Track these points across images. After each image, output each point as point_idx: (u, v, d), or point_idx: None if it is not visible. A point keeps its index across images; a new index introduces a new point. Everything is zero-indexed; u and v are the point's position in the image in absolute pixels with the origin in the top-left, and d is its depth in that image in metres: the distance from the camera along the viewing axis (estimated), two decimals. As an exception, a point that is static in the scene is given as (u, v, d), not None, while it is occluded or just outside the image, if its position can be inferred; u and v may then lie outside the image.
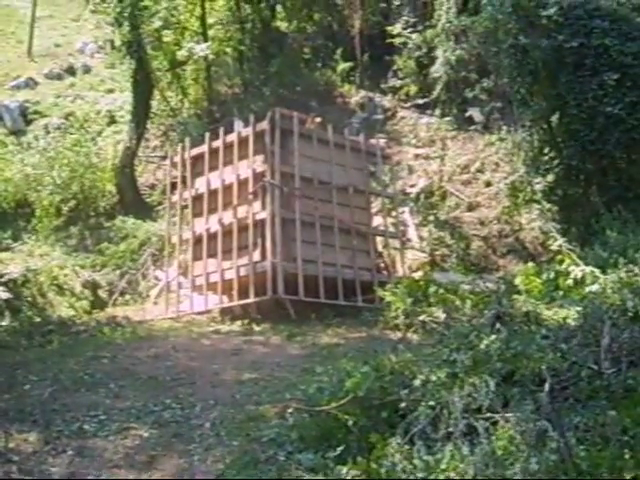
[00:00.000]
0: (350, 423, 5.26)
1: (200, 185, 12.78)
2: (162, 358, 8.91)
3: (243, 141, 12.24)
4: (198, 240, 12.55)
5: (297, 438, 5.60)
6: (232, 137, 12.47)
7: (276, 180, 11.66)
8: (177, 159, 13.47)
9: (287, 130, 12.07)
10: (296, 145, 12.08)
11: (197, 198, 12.83)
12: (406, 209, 14.84)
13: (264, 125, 11.96)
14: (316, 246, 11.87)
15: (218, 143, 12.61)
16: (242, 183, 12.06)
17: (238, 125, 12.90)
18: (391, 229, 13.64)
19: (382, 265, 13.58)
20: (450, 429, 4.70)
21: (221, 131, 12.70)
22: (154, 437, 6.17)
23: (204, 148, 12.84)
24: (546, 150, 13.98)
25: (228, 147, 12.44)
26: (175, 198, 13.41)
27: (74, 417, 6.58)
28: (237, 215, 11.98)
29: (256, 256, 11.56)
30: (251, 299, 11.34)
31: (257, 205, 11.84)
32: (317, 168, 12.33)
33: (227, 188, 12.25)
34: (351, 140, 13.45)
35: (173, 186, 13.63)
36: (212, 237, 12.30)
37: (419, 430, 4.81)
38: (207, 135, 12.95)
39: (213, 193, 12.47)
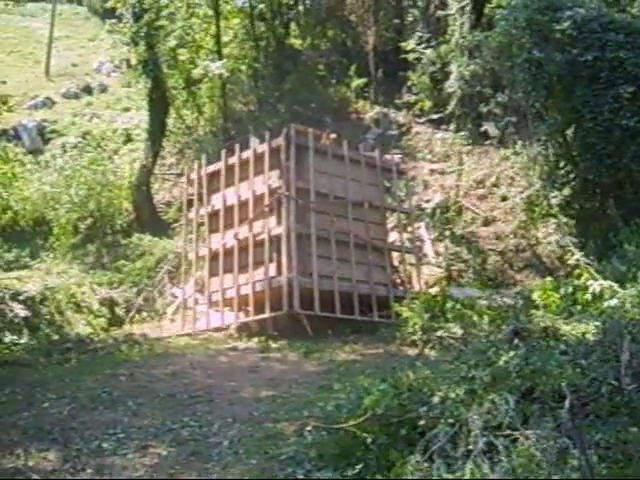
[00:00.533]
0: (369, 441, 5.22)
1: (216, 201, 12.85)
2: (180, 376, 8.91)
3: (259, 157, 12.31)
4: (214, 256, 12.60)
5: (316, 456, 5.57)
6: (248, 154, 12.54)
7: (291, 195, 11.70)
8: (193, 176, 13.55)
9: (302, 146, 12.13)
10: (311, 161, 12.13)
11: (213, 214, 12.90)
12: (422, 224, 14.83)
13: (279, 141, 12.03)
14: (332, 261, 11.88)
15: (234, 160, 12.68)
16: (258, 199, 12.12)
17: (253, 142, 12.94)
18: (407, 244, 13.62)
19: (398, 280, 13.56)
20: (470, 447, 4.66)
21: (237, 148, 12.78)
22: (172, 455, 6.16)
23: (220, 165, 12.92)
24: (562, 164, 13.93)
25: (244, 163, 12.51)
26: (191, 215, 13.47)
27: (93, 435, 6.58)
28: (253, 230, 12.03)
29: (272, 271, 11.59)
30: (267, 314, 11.36)
31: (273, 220, 11.88)
32: (332, 184, 12.36)
33: (243, 204, 12.31)
34: (366, 156, 13.48)
35: (189, 203, 13.70)
36: (228, 253, 12.35)
37: (438, 448, 4.77)
38: (223, 152, 13.04)
39: (229, 209, 12.54)
